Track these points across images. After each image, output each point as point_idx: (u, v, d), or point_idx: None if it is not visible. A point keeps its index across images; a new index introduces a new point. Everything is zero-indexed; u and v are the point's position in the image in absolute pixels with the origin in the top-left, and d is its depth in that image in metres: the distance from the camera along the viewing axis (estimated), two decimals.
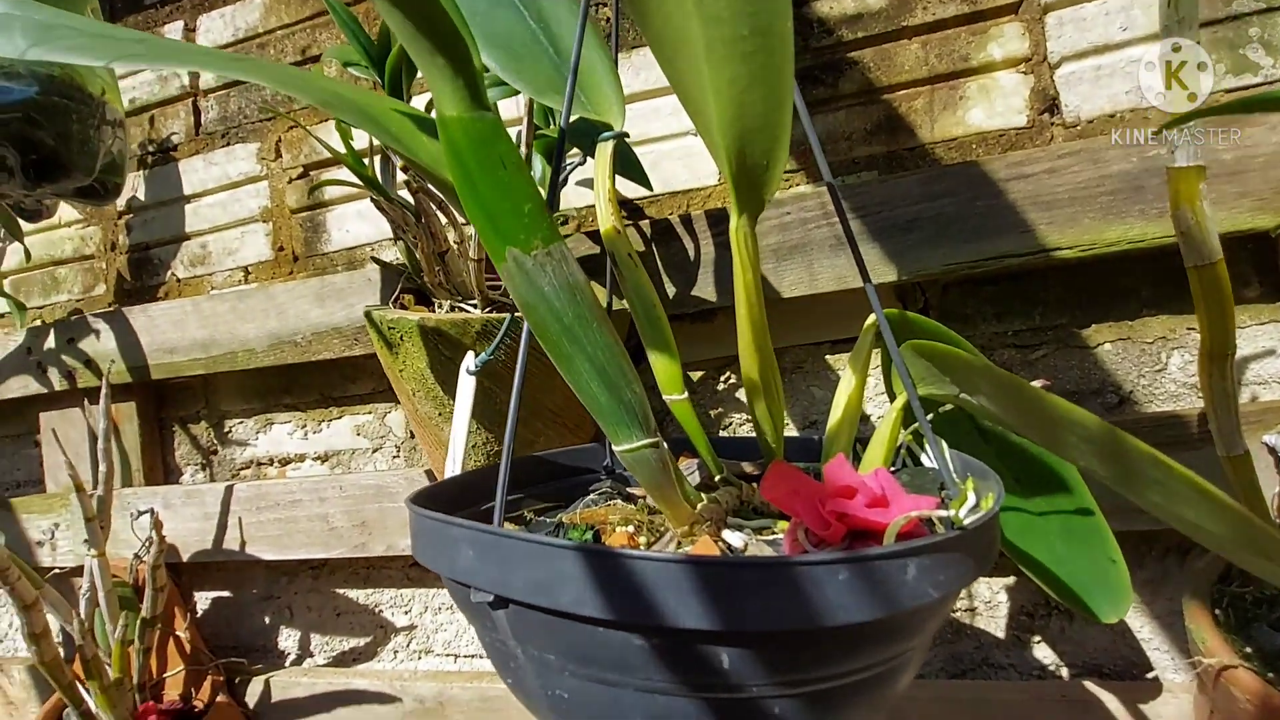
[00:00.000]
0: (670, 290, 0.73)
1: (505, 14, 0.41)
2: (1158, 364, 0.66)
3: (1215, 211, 0.46)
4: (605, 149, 0.39)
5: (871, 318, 0.43)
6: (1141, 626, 0.66)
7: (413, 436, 0.91)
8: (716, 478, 0.42)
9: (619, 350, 0.30)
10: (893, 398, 0.50)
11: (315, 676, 0.91)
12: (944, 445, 0.39)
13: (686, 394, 0.40)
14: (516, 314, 0.51)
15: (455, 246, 0.66)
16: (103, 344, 0.98)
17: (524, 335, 0.33)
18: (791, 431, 0.77)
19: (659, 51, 0.31)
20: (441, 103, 0.26)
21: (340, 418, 0.95)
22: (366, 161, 0.68)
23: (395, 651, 0.92)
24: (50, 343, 1.01)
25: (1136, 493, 0.28)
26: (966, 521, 0.30)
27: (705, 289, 0.72)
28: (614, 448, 0.32)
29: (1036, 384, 0.32)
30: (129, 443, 1.01)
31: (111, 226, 1.08)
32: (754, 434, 0.41)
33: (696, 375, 0.79)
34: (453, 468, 0.45)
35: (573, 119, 0.64)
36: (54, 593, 0.79)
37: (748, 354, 0.37)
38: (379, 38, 0.64)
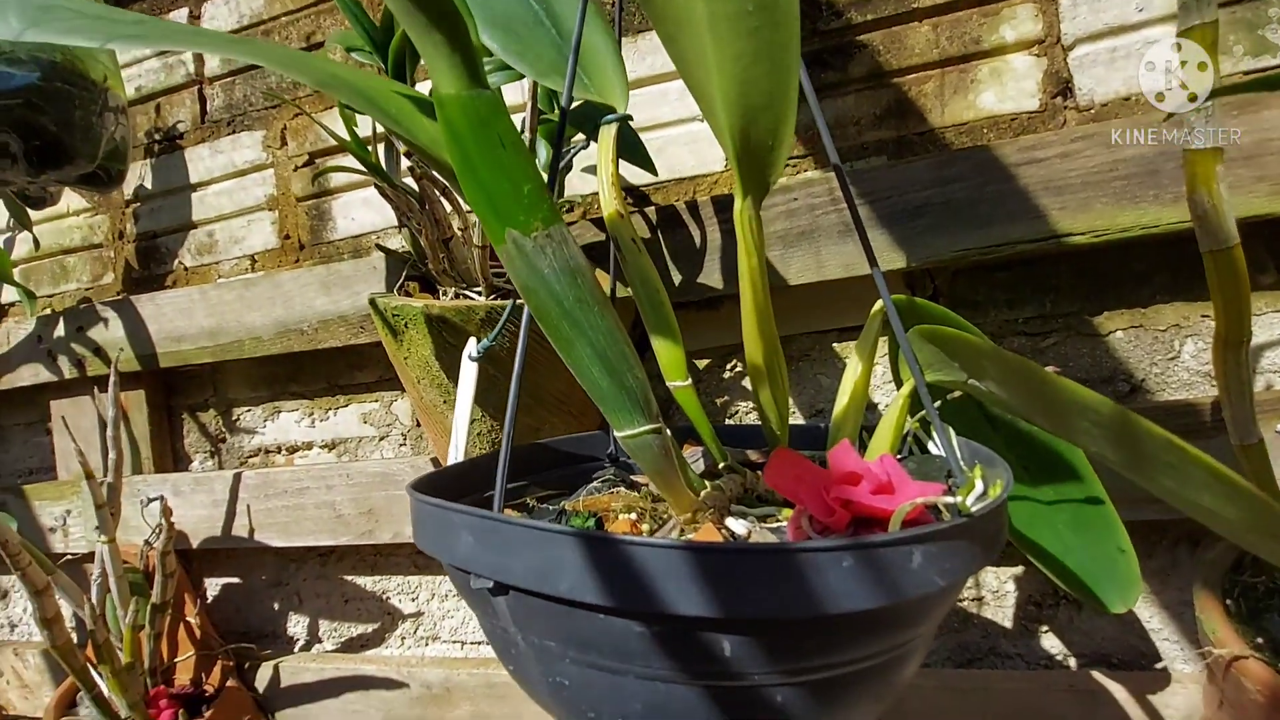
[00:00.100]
0: (676, 277, 0.73)
1: None
2: (1171, 352, 0.65)
3: (1232, 196, 0.45)
4: (608, 132, 0.38)
5: (879, 304, 0.42)
6: (1151, 616, 0.66)
7: (419, 424, 0.91)
8: (721, 465, 0.41)
9: (620, 335, 0.30)
10: (900, 385, 0.50)
11: (324, 662, 0.91)
12: (951, 432, 0.39)
13: (690, 380, 0.40)
14: (519, 300, 0.51)
15: (459, 233, 0.66)
16: (111, 332, 0.98)
17: (524, 320, 0.32)
18: (799, 420, 0.76)
19: (661, 29, 0.30)
20: (438, 81, 0.25)
21: (347, 406, 0.95)
22: (371, 149, 0.67)
23: (403, 638, 0.92)
24: (60, 331, 1.02)
25: (1148, 478, 0.28)
26: (973, 509, 0.30)
27: (711, 276, 0.71)
28: (615, 433, 0.32)
29: (1048, 370, 0.31)
30: (138, 430, 1.02)
31: (119, 215, 1.08)
32: (760, 421, 0.41)
33: (703, 363, 0.78)
34: (455, 455, 0.44)
35: (576, 103, 0.64)
36: (66, 578, 0.80)
37: (752, 340, 0.36)
38: (382, 23, 0.64)
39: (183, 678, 0.91)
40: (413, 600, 0.92)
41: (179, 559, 0.95)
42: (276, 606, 0.98)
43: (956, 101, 0.70)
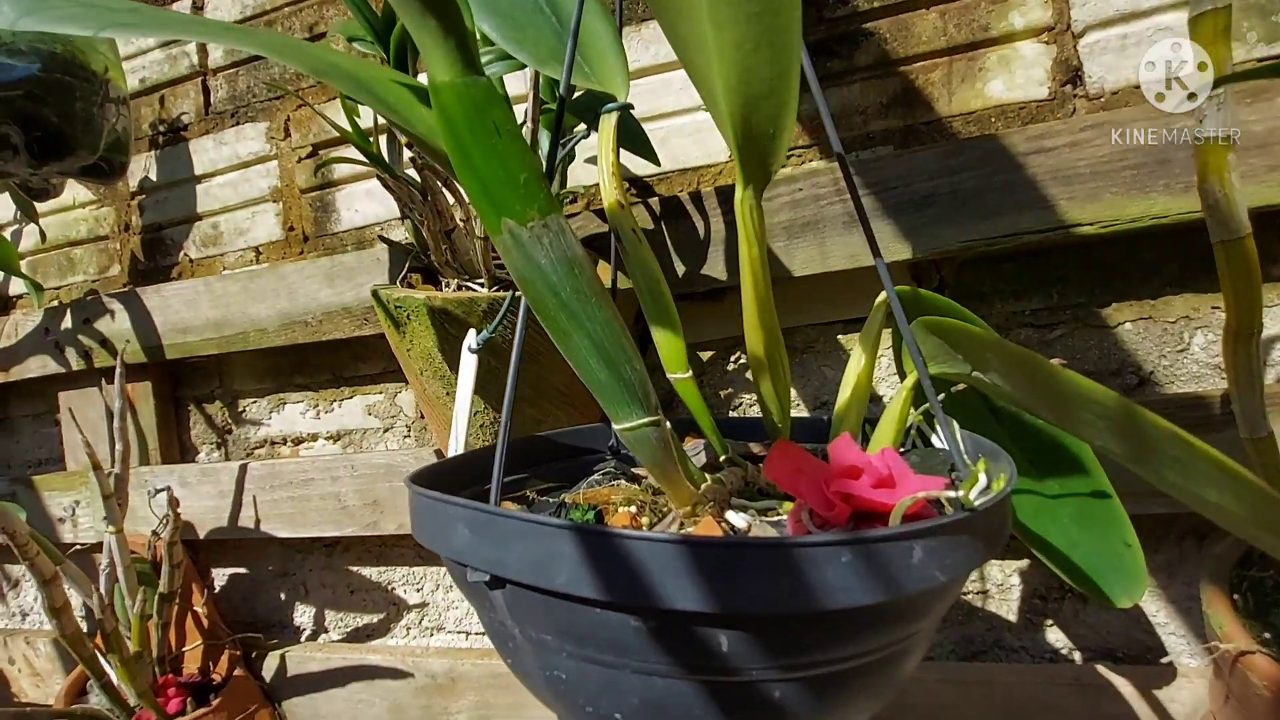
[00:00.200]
0: (680, 269, 0.72)
1: None
2: (1180, 344, 0.65)
3: (1244, 185, 0.44)
4: (608, 121, 0.38)
5: (883, 295, 0.42)
6: (1157, 611, 0.65)
7: (423, 416, 0.92)
8: (722, 458, 0.41)
9: (618, 326, 0.30)
10: (904, 377, 0.49)
11: (330, 652, 0.92)
12: (955, 425, 0.39)
13: (691, 372, 0.39)
14: (519, 292, 0.50)
15: (462, 225, 0.66)
16: (118, 324, 0.99)
17: (521, 311, 0.32)
18: (803, 412, 0.76)
19: (661, 16, 0.29)
20: (433, 67, 0.25)
21: (352, 398, 0.96)
22: (373, 140, 0.67)
23: (408, 628, 0.93)
24: (67, 323, 1.02)
25: (1154, 472, 0.27)
26: (976, 503, 0.29)
27: (715, 267, 0.71)
28: (614, 426, 0.32)
29: (1053, 363, 0.31)
30: (145, 422, 1.02)
31: (125, 207, 1.08)
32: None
33: (706, 355, 0.78)
34: (455, 447, 0.44)
35: (578, 94, 0.63)
36: (74, 568, 0.81)
37: (753, 331, 0.36)
38: (384, 12, 0.63)
39: (190, 667, 0.92)
40: (418, 591, 0.92)
41: (186, 549, 0.96)
42: (283, 597, 0.99)
43: (964, 90, 0.69)
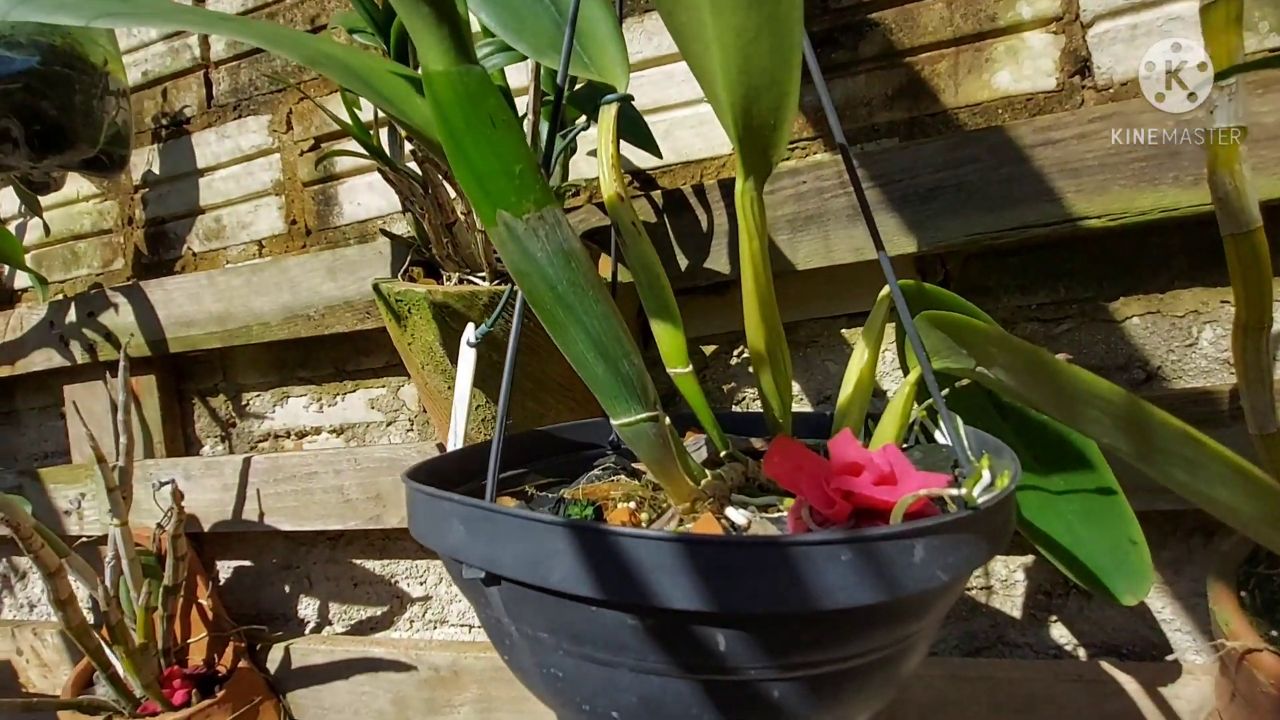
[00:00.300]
0: (683, 262, 0.72)
1: None
2: (1188, 338, 0.64)
3: (1255, 177, 0.44)
4: (608, 112, 0.37)
5: (886, 289, 0.41)
6: (1163, 607, 0.65)
7: (425, 410, 0.92)
8: (722, 453, 0.41)
9: (616, 320, 0.29)
10: (907, 372, 0.49)
11: (334, 644, 0.92)
12: (959, 421, 0.38)
13: (691, 367, 0.39)
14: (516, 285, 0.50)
15: (463, 218, 0.65)
16: (122, 318, 0.99)
17: (518, 304, 0.32)
18: (806, 407, 0.76)
19: (660, 3, 0.29)
20: (426, 56, 0.24)
21: (354, 391, 0.96)
22: (373, 133, 0.66)
23: (411, 621, 0.93)
24: (71, 316, 1.02)
25: (1161, 470, 0.27)
26: (980, 501, 0.29)
27: (718, 261, 0.70)
28: (612, 421, 0.32)
29: (1059, 358, 0.30)
30: (150, 415, 1.02)
31: (128, 201, 1.08)
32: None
33: (709, 349, 0.78)
34: (454, 441, 0.44)
35: (579, 85, 0.62)
36: (80, 560, 0.81)
37: (754, 326, 0.35)
38: (384, 4, 0.63)
39: (196, 658, 0.92)
40: (421, 584, 0.93)
41: (191, 542, 0.96)
42: (287, 589, 0.99)
43: (971, 81, 0.68)
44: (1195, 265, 0.63)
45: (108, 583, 0.83)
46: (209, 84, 1.02)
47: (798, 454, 0.32)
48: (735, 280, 0.71)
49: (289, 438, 1.00)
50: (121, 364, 0.89)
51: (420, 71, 0.25)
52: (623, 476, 0.41)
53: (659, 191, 0.74)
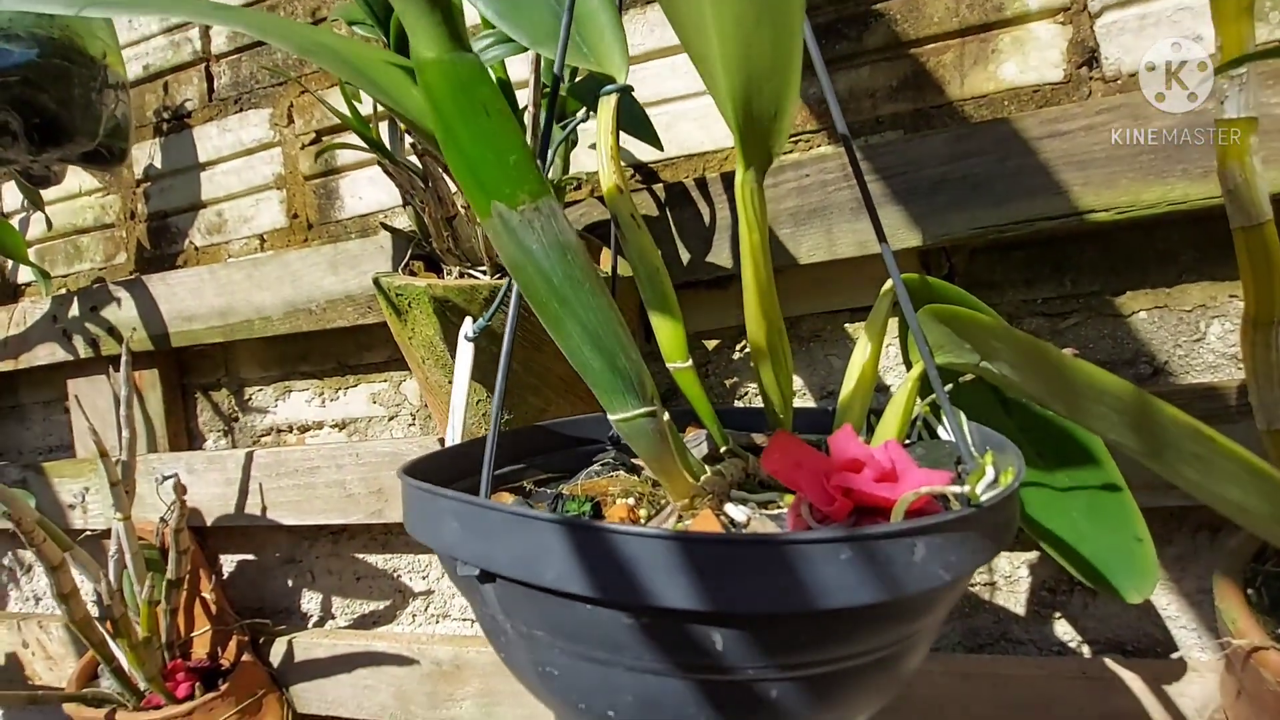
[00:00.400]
0: (685, 256, 0.71)
1: None
2: (1196, 333, 0.63)
3: (1266, 170, 0.43)
4: (607, 103, 0.37)
5: (889, 282, 0.41)
6: (1168, 604, 0.64)
7: (427, 405, 0.91)
8: (722, 449, 0.40)
9: (613, 314, 0.29)
10: (910, 367, 0.48)
11: (336, 638, 0.93)
12: (962, 417, 0.38)
13: (690, 361, 0.39)
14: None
15: (464, 211, 0.65)
16: (124, 312, 0.99)
17: (514, 297, 0.31)
18: (809, 402, 0.75)
19: None
20: (418, 44, 0.24)
21: (356, 386, 0.96)
22: (373, 126, 0.66)
23: (414, 615, 0.93)
24: (74, 311, 1.02)
25: (1170, 468, 0.26)
26: (983, 498, 0.28)
27: (720, 255, 0.70)
28: (609, 417, 0.31)
29: (1065, 353, 0.30)
30: (153, 409, 1.03)
31: (130, 195, 1.08)
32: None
33: (711, 344, 0.77)
34: (453, 437, 0.44)
35: (580, 77, 0.62)
36: (84, 554, 0.82)
37: (754, 319, 0.35)
38: None
39: (199, 652, 0.93)
40: (423, 578, 0.93)
41: (194, 536, 0.97)
42: (290, 583, 1.00)
43: (976, 73, 0.67)
44: (1203, 259, 0.62)
45: (111, 576, 0.83)
46: (210, 77, 1.02)
47: (797, 450, 0.32)
48: (737, 274, 0.70)
49: (291, 432, 1.00)
50: (124, 358, 0.89)
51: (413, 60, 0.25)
52: (622, 472, 0.41)
53: (661, 185, 0.74)
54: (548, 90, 0.63)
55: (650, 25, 0.76)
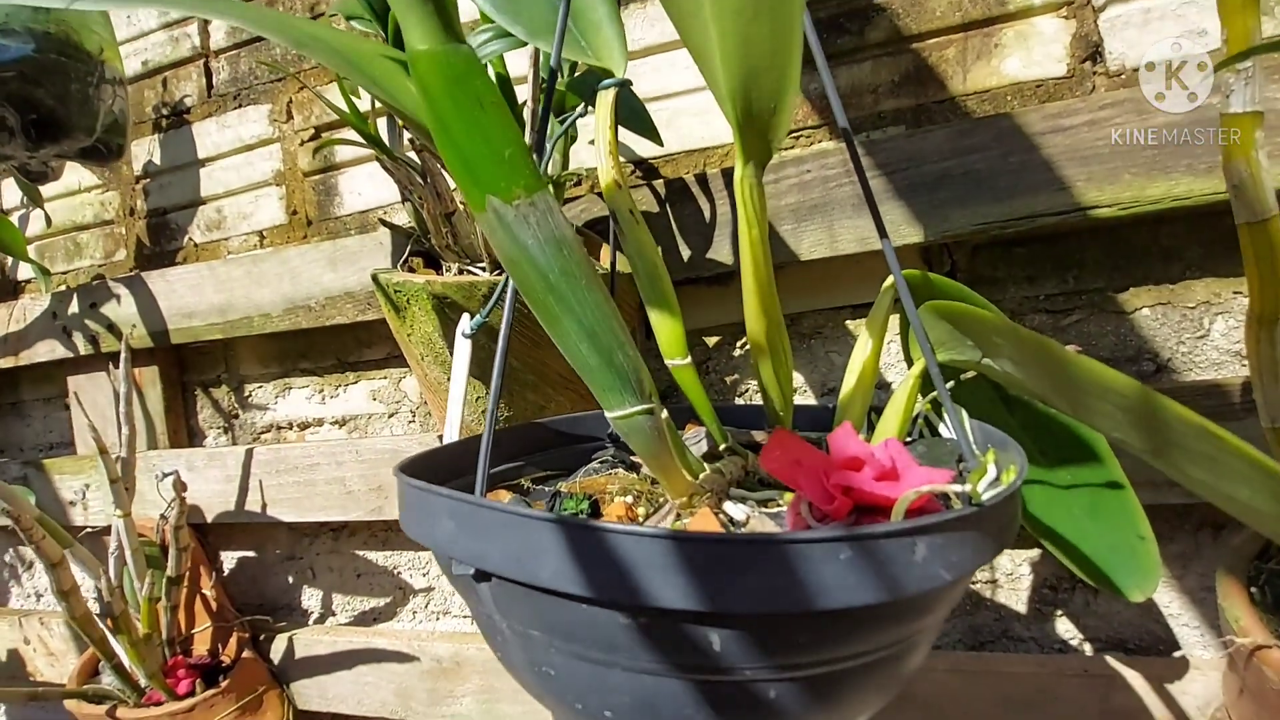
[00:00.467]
0: (685, 253, 0.71)
1: None
2: (1200, 330, 0.63)
3: (1271, 165, 0.42)
4: (605, 98, 0.36)
5: (890, 278, 0.40)
6: (1170, 602, 0.64)
7: (427, 402, 0.91)
8: (722, 447, 0.40)
9: (610, 309, 0.28)
10: (911, 364, 0.48)
11: (337, 635, 0.93)
12: (964, 414, 0.37)
13: (690, 358, 0.38)
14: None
15: (462, 207, 0.65)
16: (124, 308, 0.99)
17: (509, 293, 0.31)
18: (810, 400, 0.75)
19: None
20: (410, 35, 0.24)
21: (356, 383, 0.95)
22: (371, 121, 0.66)
23: (414, 612, 0.93)
24: (74, 307, 1.02)
25: (1176, 468, 0.26)
26: (985, 497, 0.28)
27: (721, 251, 0.70)
28: (606, 414, 0.31)
29: (1068, 350, 0.29)
30: (153, 406, 1.02)
31: (130, 191, 1.08)
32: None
33: (712, 341, 0.77)
34: (451, 434, 0.44)
35: (579, 72, 0.61)
36: (84, 551, 0.81)
37: (753, 316, 0.35)
38: None
39: (200, 648, 0.93)
40: (424, 575, 0.92)
41: (195, 533, 0.97)
42: (290, 580, 1.00)
43: (979, 67, 0.67)
44: (1208, 255, 0.62)
45: (111, 573, 0.83)
46: (209, 73, 1.02)
47: (797, 448, 0.31)
48: (738, 270, 0.70)
49: (291, 429, 1.00)
50: (123, 355, 0.89)
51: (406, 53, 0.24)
52: (621, 470, 0.41)
53: (661, 181, 0.73)
54: (545, 85, 0.63)
55: (650, 19, 0.76)
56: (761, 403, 0.43)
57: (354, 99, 0.65)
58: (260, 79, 0.97)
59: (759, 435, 0.45)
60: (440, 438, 0.82)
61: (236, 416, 1.03)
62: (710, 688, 0.26)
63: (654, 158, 0.77)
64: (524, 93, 0.64)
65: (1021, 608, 0.68)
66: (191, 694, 0.83)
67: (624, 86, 0.38)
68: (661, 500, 0.35)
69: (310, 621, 0.98)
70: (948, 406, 0.35)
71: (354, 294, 0.85)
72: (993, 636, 0.69)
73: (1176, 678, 0.61)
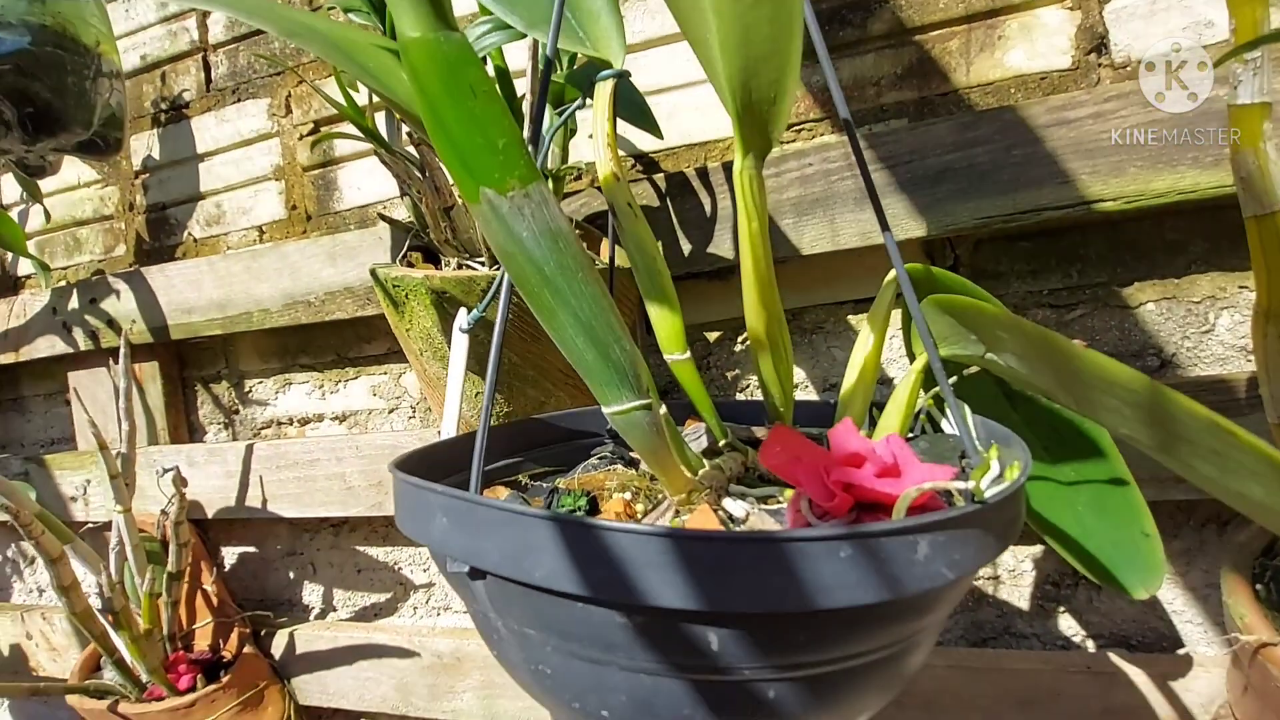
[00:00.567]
0: (686, 247, 0.71)
1: None
2: (1204, 325, 0.62)
3: (1279, 156, 0.42)
4: (603, 89, 0.36)
5: (892, 273, 0.40)
6: (1174, 598, 0.64)
7: (427, 397, 0.91)
8: (721, 443, 0.40)
9: (607, 303, 0.28)
10: (914, 359, 0.48)
11: (338, 630, 0.92)
12: (966, 410, 0.37)
13: (689, 353, 0.38)
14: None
15: (461, 202, 0.64)
16: (123, 304, 0.99)
17: (505, 287, 0.31)
18: (811, 395, 0.74)
19: None
20: (401, 23, 0.23)
21: (356, 378, 0.95)
22: (369, 115, 0.65)
23: (415, 608, 0.93)
24: (74, 303, 1.02)
25: (1185, 464, 0.25)
26: (988, 494, 0.28)
27: (722, 245, 0.69)
28: (603, 410, 0.30)
29: (1074, 344, 0.29)
30: (153, 402, 1.02)
31: (129, 186, 1.07)
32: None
33: (713, 336, 0.76)
34: (448, 429, 0.43)
35: (579, 65, 0.61)
36: (85, 546, 0.81)
37: (753, 310, 0.34)
38: None
39: (201, 644, 0.93)
40: (424, 571, 0.92)
41: (196, 528, 0.97)
42: (291, 575, 1.00)
43: (983, 60, 0.66)
44: (1213, 249, 0.61)
45: (112, 569, 0.83)
46: (208, 67, 1.01)
47: (797, 444, 0.31)
48: (738, 265, 0.70)
49: (292, 425, 1.00)
50: (122, 350, 0.89)
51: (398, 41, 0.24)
52: (620, 466, 0.40)
53: (661, 175, 0.73)
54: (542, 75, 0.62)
55: (650, 11, 0.75)
56: (762, 398, 0.42)
57: (352, 93, 0.64)
58: (259, 73, 0.97)
59: (759, 431, 0.45)
60: (440, 433, 0.82)
61: (237, 412, 1.03)
62: (708, 688, 0.25)
63: (654, 152, 0.77)
64: (523, 87, 0.63)
65: (1024, 604, 0.68)
66: (193, 689, 0.83)
67: (622, 78, 0.37)
68: (660, 497, 0.35)
69: (311, 617, 0.98)
70: (950, 402, 0.34)
71: (353, 289, 0.85)
72: (995, 633, 0.69)
73: (1180, 675, 0.60)
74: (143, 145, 1.05)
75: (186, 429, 1.05)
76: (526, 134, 0.50)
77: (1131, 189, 0.57)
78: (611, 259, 0.48)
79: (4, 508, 0.70)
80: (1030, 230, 0.63)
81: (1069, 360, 0.27)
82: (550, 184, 0.64)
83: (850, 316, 0.72)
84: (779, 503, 0.34)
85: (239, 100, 0.98)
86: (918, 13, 0.67)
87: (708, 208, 0.70)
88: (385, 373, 0.93)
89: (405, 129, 0.66)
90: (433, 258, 0.69)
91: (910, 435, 0.42)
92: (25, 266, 1.16)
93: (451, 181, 0.64)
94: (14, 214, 1.14)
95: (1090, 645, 0.66)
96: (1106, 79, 0.63)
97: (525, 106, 0.61)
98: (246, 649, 0.91)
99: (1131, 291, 0.64)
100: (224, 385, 1.03)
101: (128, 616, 0.79)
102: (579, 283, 0.27)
